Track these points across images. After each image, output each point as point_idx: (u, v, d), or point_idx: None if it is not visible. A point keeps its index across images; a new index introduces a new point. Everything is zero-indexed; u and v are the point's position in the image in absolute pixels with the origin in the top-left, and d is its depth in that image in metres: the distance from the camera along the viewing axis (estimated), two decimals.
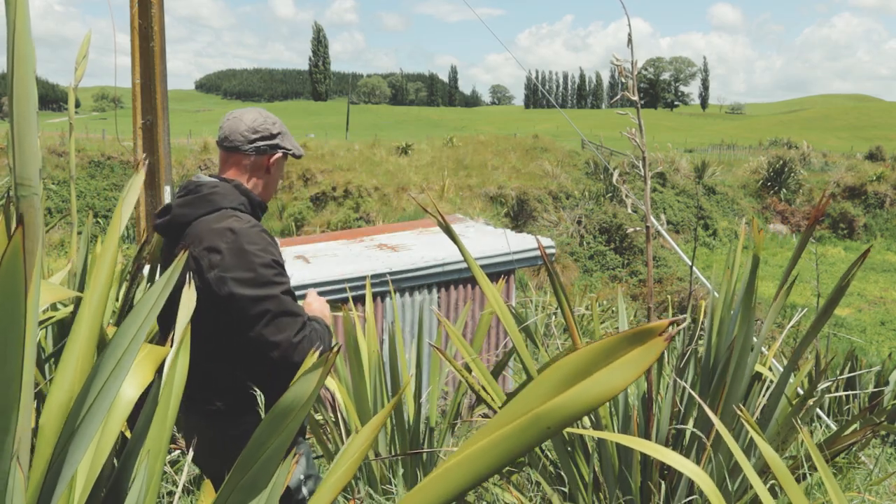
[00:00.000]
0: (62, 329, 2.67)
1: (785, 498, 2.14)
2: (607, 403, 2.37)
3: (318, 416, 3.05)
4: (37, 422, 1.00)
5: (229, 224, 1.80)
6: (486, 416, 3.32)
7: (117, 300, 2.72)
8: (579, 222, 22.42)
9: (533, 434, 0.86)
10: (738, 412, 1.61)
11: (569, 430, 2.00)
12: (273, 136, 1.96)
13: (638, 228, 2.29)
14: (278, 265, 1.82)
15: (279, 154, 2.00)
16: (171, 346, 1.19)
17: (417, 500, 0.89)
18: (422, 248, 5.17)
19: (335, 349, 1.00)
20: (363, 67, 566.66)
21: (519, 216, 22.20)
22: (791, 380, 2.23)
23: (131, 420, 1.75)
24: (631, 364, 0.83)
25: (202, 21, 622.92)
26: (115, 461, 1.21)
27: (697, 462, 2.13)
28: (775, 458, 1.26)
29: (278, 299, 1.77)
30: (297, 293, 2.09)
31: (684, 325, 2.26)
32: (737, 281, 2.29)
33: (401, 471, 2.75)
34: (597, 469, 2.32)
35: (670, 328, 0.84)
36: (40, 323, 2.44)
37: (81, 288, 2.64)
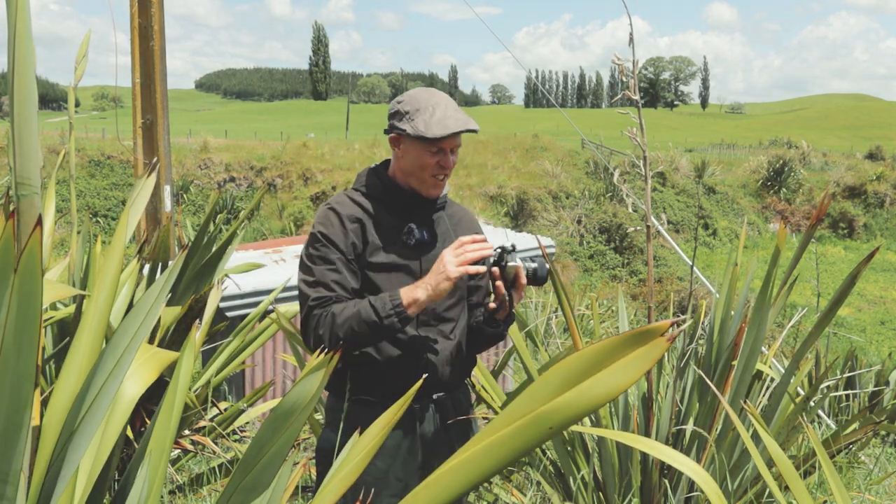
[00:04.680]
0: (62, 329, 2.67)
1: (788, 496, 2.14)
2: (607, 403, 2.37)
3: (318, 416, 3.05)
4: (40, 422, 1.00)
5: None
6: (486, 417, 3.32)
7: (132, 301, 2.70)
8: (579, 222, 22.41)
9: (535, 434, 0.86)
10: (745, 408, 1.61)
11: (570, 427, 2.01)
12: (392, 116, 1.85)
13: (638, 228, 2.28)
14: (322, 238, 1.76)
15: (395, 135, 1.83)
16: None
17: (421, 499, 0.89)
18: None
19: (337, 350, 1.00)
20: (360, 66, 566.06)
21: (519, 216, 22.19)
22: (791, 379, 2.23)
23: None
24: (633, 365, 0.83)
25: (198, 20, 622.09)
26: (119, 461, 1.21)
27: (698, 461, 2.12)
28: (780, 454, 1.26)
29: (299, 274, 1.78)
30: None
31: (686, 326, 2.25)
32: (738, 279, 2.29)
33: None
34: (597, 468, 2.32)
35: (672, 329, 0.84)
36: None
37: (81, 287, 2.64)
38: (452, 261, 1.64)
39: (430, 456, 1.82)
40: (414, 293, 1.66)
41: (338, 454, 1.82)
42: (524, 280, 1.73)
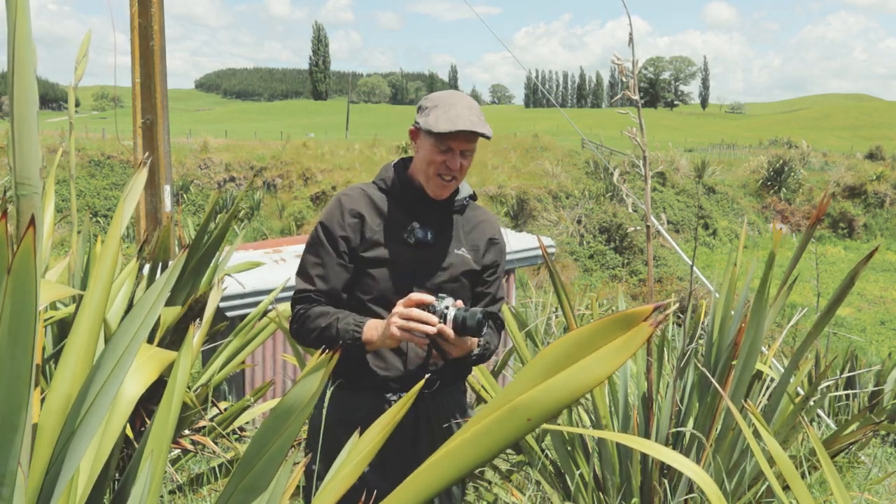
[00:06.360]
0: (62, 329, 2.67)
1: (789, 495, 2.14)
2: (607, 403, 2.37)
3: None
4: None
5: None
6: None
7: (132, 300, 2.70)
8: (579, 222, 22.42)
9: (513, 427, 0.82)
10: (746, 407, 1.61)
11: (569, 429, 2.01)
12: (417, 110, 1.86)
13: (638, 228, 2.29)
14: (321, 229, 1.82)
15: (413, 128, 1.83)
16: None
17: (401, 496, 0.88)
18: None
19: (335, 351, 1.00)
20: (360, 66, 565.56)
21: (519, 215, 22.20)
22: (791, 379, 2.23)
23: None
24: (615, 351, 0.79)
25: (197, 19, 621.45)
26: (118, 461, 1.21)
27: (697, 461, 2.12)
28: (780, 453, 1.26)
29: (301, 257, 1.87)
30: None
31: (670, 311, 2.25)
32: (738, 279, 2.29)
33: None
34: (597, 468, 2.32)
35: (655, 313, 0.79)
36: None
37: (82, 287, 2.64)
38: (397, 322, 1.62)
39: (397, 446, 1.79)
40: (373, 332, 1.69)
41: (311, 430, 1.85)
42: (450, 332, 1.63)
